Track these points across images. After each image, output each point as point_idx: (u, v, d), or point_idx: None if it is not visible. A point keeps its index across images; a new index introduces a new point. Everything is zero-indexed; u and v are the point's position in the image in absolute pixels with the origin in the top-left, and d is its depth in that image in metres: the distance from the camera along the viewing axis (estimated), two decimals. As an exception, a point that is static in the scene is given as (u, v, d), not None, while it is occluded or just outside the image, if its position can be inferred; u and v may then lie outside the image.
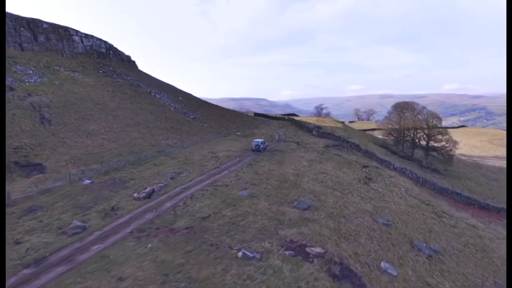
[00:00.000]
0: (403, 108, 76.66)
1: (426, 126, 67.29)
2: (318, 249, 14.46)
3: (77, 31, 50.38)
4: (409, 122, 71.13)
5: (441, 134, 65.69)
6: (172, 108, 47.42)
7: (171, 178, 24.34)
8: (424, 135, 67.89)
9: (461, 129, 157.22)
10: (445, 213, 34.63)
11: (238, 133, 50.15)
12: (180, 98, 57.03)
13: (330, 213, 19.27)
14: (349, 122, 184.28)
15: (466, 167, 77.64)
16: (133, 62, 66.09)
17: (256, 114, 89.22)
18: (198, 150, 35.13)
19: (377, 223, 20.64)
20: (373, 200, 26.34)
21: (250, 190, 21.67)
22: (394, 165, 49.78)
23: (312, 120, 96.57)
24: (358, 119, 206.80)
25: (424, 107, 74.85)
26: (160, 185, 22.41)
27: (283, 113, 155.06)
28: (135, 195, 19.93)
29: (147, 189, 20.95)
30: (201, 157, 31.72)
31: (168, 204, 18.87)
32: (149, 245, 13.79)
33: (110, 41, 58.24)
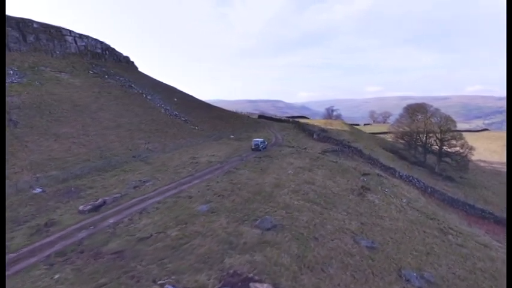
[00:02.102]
0: (415, 110, 71.91)
1: (439, 130, 62.40)
2: (265, 286, 11.67)
3: (70, 31, 49.59)
4: (421, 125, 66.37)
5: (455, 138, 60.65)
6: (162, 110, 45.57)
7: (134, 187, 22.12)
8: (437, 140, 63.01)
9: (483, 132, 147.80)
10: (452, 229, 30.73)
11: (231, 136, 47.66)
12: (175, 99, 55.25)
13: (298, 234, 16.35)
14: (364, 124, 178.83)
15: (484, 174, 71.80)
16: (132, 62, 65.06)
17: (260, 117, 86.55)
18: (180, 155, 32.88)
19: (358, 246, 17.49)
20: (362, 215, 23.11)
21: (214, 204, 19.07)
22: (399, 172, 45.80)
23: (320, 122, 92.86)
24: (374, 121, 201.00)
25: (437, 109, 69.71)
26: (117, 195, 20.19)
27: (298, 115, 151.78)
28: (81, 207, 17.76)
29: (98, 201, 18.76)
30: (179, 163, 29.44)
31: (112, 220, 16.55)
32: (57, 275, 11.45)
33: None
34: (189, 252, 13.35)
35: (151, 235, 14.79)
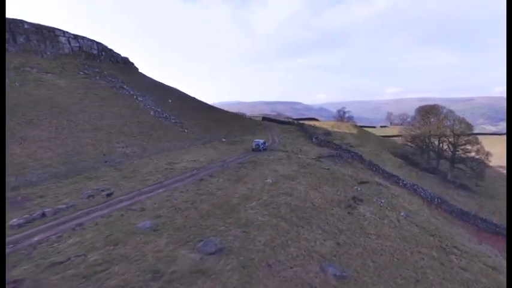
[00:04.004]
0: (427, 112, 67.08)
1: (451, 134, 57.51)
2: (172, 337, 9.26)
3: (64, 32, 49.09)
4: (433, 128, 61.62)
5: (470, 143, 55.60)
6: (152, 112, 44.00)
7: (88, 197, 20.24)
8: (450, 144, 58.16)
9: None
10: (456, 248, 27.14)
11: (224, 140, 45.54)
12: (170, 100, 53.72)
13: (247, 259, 13.80)
14: (381, 126, 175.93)
15: (504, 181, 65.86)
16: (131, 63, 64.28)
17: (263, 119, 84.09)
18: (158, 160, 30.98)
19: (324, 275, 14.68)
20: (342, 233, 20.21)
21: (163, 219, 16.84)
22: (403, 180, 41.99)
23: (327, 125, 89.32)
24: (391, 123, 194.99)
25: (451, 111, 64.63)
26: (62, 206, 18.34)
27: (310, 117, 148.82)
28: (12, 221, 15.97)
29: (35, 213, 16.96)
30: (152, 169, 27.47)
31: (38, 237, 14.60)
32: None
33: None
34: (99, 285, 11.11)
35: (68, 259, 12.68)
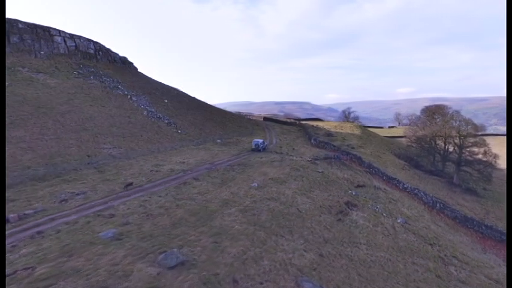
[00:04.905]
0: (433, 112, 64.69)
1: (457, 135, 55.08)
2: None
3: (60, 31, 48.78)
4: (438, 129, 59.20)
5: (477, 145, 53.11)
6: (145, 112, 43.21)
7: (61, 201, 19.35)
8: (456, 147, 55.76)
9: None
10: (456, 257, 25.47)
11: (218, 141, 44.49)
12: (166, 100, 52.90)
13: (211, 275, 12.57)
14: (389, 127, 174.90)
15: (514, 185, 63.00)
16: (130, 63, 63.77)
17: (265, 119, 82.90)
18: (145, 162, 30.05)
19: (299, 291, 13.42)
20: (327, 243, 18.86)
21: (130, 227, 15.77)
22: (403, 184, 40.18)
23: (330, 125, 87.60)
24: (399, 123, 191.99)
25: (457, 112, 62.13)
26: (29, 211, 17.46)
27: (319, 117, 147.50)
28: (-29, 227, 15.12)
29: (-2, 219, 16.09)
30: (136, 171, 26.53)
31: (-9, 246, 13.71)
32: None
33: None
34: (37, 303, 10.10)
35: (14, 272, 11.67)
